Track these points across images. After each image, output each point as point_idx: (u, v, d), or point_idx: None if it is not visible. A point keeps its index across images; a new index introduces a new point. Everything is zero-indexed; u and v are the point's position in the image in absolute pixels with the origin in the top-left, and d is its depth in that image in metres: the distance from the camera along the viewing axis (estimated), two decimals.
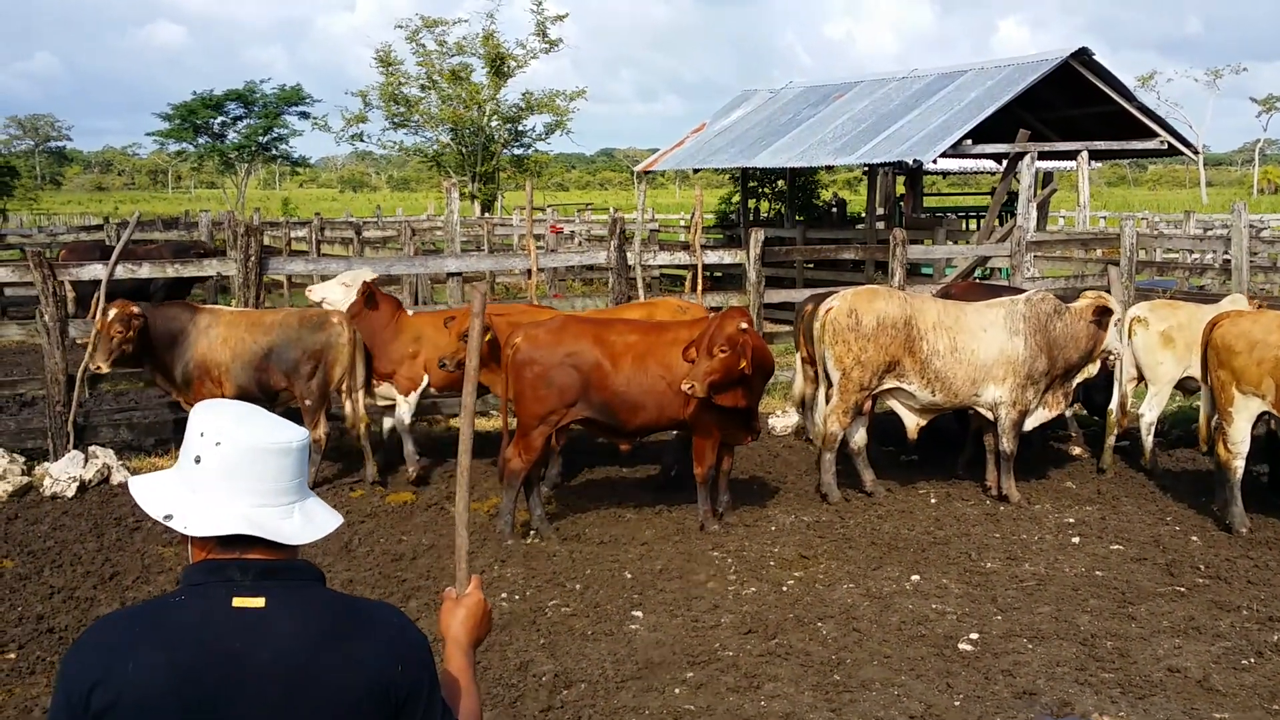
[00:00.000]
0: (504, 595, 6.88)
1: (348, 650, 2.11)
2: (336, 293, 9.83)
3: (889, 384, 8.79)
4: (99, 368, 9.02)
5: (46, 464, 9.44)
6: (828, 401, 8.92)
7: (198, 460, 2.17)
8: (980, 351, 8.75)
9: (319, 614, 2.14)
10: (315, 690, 2.07)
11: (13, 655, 6.07)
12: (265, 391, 9.21)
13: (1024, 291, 9.76)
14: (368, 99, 46.07)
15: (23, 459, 9.48)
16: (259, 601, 2.10)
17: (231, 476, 2.15)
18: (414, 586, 7.04)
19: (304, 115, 60.22)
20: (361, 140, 48.57)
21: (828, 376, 8.89)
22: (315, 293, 9.99)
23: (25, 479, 9.14)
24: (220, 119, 59.73)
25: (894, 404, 9.08)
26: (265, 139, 60.29)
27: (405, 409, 9.55)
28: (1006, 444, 8.87)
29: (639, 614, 6.60)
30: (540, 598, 6.85)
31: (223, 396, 8.68)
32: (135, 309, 9.02)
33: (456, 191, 12.83)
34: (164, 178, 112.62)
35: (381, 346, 9.54)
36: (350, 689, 2.09)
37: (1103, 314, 8.92)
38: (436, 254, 15.65)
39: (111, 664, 2.03)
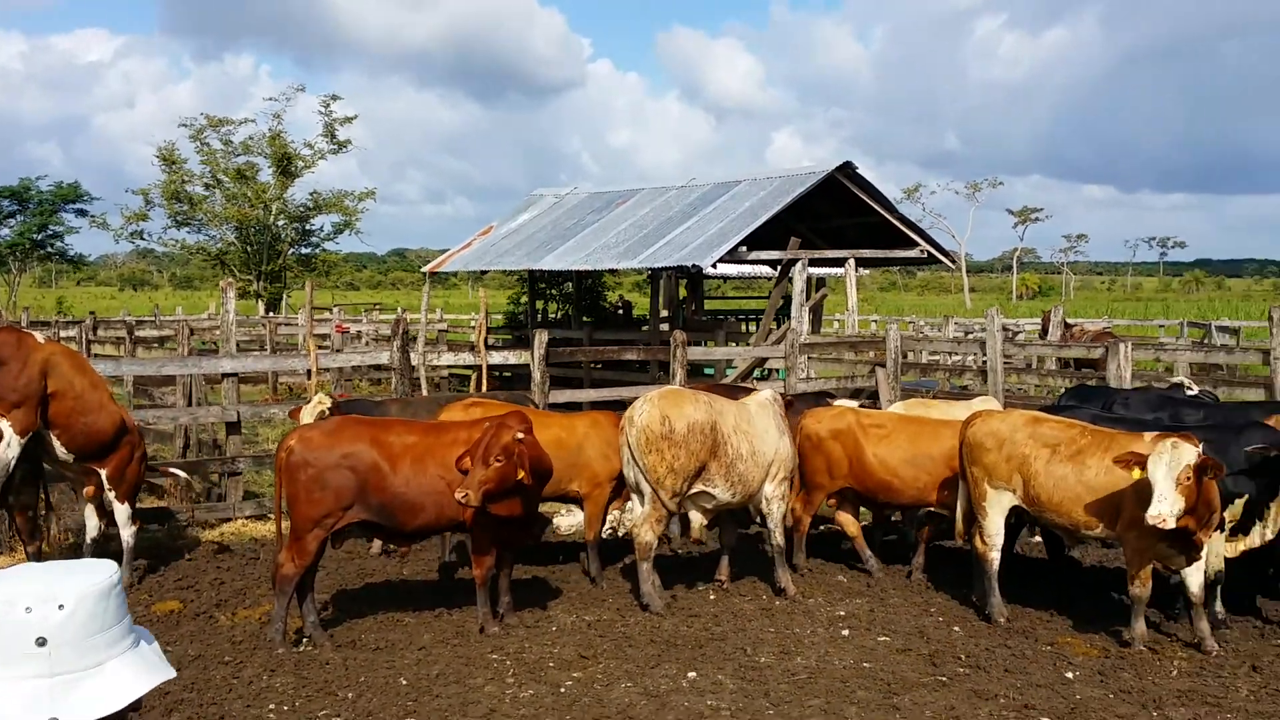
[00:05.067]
0: (271, 707, 6.61)
1: None
2: None
3: (696, 488, 8.76)
4: None
5: None
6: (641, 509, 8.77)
7: None
8: (767, 451, 9.00)
9: None
10: None
11: None
12: None
13: (751, 391, 10.19)
14: (149, 197, 44.72)
15: None
16: None
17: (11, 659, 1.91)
18: (176, 700, 6.68)
19: (81, 213, 57.66)
20: (142, 238, 46.99)
21: (638, 486, 8.73)
22: None
23: None
24: None
25: (688, 506, 9.10)
26: (40, 236, 57.37)
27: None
28: (779, 538, 9.14)
29: None
30: (310, 708, 6.61)
31: None
32: None
33: (233, 291, 12.52)
34: None
35: None
36: None
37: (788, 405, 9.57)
38: (211, 354, 15.16)
39: None
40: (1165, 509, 7.16)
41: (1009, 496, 8.46)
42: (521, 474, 7.55)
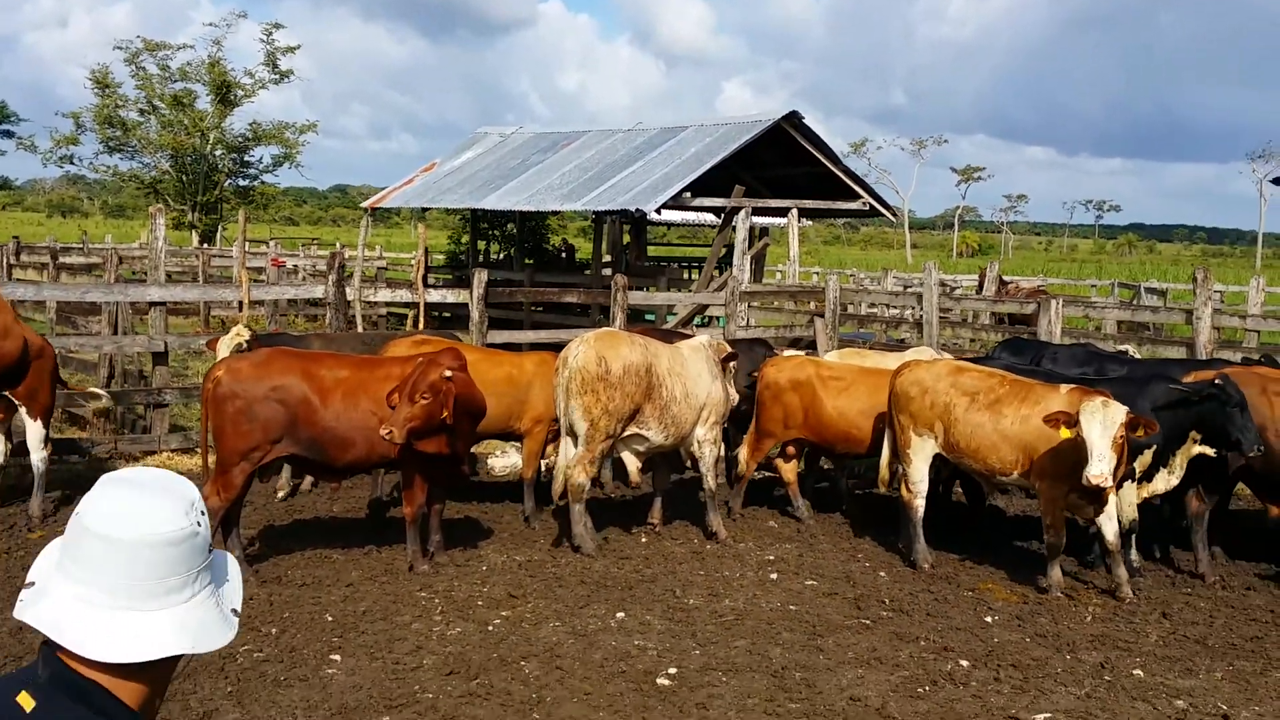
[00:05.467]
0: None
1: None
2: None
3: (630, 430, 8.73)
4: None
5: None
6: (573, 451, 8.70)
7: (68, 535, 1.94)
8: (700, 394, 8.99)
9: None
10: None
11: None
12: None
13: (688, 337, 10.19)
14: (80, 121, 43.51)
15: None
16: (29, 703, 1.87)
17: (76, 563, 1.89)
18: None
19: (8, 134, 56.12)
20: (72, 163, 45.78)
21: (572, 428, 8.66)
22: None
23: None
24: None
25: (621, 448, 9.10)
26: None
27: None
28: (712, 481, 9.16)
29: (337, 658, 6.38)
30: (231, 643, 6.50)
31: None
32: None
33: (163, 217, 12.20)
34: None
35: None
36: None
37: (727, 360, 9.49)
38: (139, 282, 14.81)
39: None
40: (1106, 468, 7.27)
41: (931, 444, 8.56)
42: (445, 413, 7.45)
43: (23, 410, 8.91)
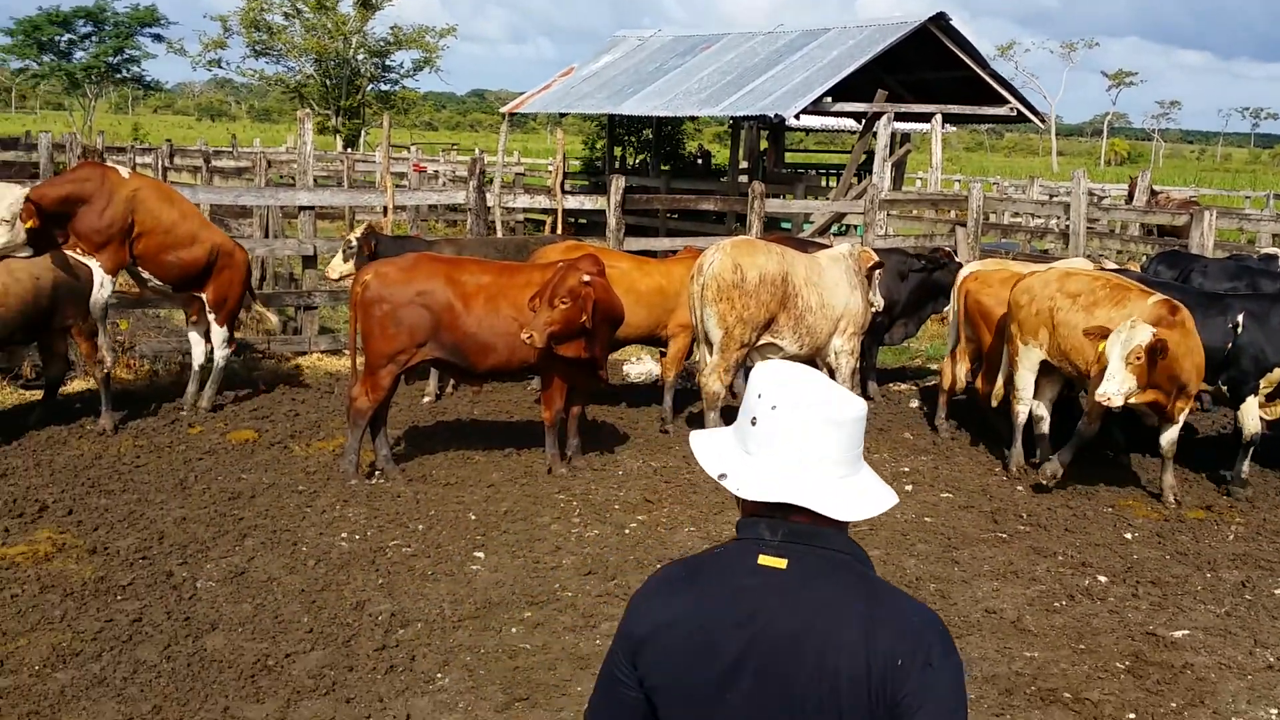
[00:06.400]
0: (343, 535, 6.81)
1: (859, 630, 2.04)
2: None
3: (764, 339, 8.71)
4: None
5: None
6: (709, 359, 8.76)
7: (754, 422, 2.14)
8: (837, 305, 8.93)
9: (838, 588, 2.09)
10: (819, 660, 2.04)
11: None
12: (39, 333, 8.52)
13: (824, 246, 10.06)
14: (228, 24, 44.54)
15: None
16: (780, 563, 2.09)
17: (785, 442, 2.11)
18: (251, 525, 6.91)
19: (158, 38, 57.81)
20: (220, 67, 47.04)
21: (705, 334, 8.67)
22: None
23: None
24: (67, 36, 56.84)
25: (755, 357, 9.04)
26: (115, 60, 57.62)
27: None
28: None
29: (481, 555, 6.61)
30: (381, 538, 6.80)
31: None
32: None
33: (310, 122, 12.48)
34: (7, 96, 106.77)
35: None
36: (852, 667, 2.03)
37: (874, 269, 9.35)
38: (288, 187, 15.22)
39: (653, 603, 2.18)
40: (1112, 389, 7.28)
41: (1037, 352, 8.49)
42: (584, 317, 7.54)
43: (210, 312, 9.34)
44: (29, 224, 7.93)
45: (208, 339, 9.53)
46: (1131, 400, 7.45)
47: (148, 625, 5.51)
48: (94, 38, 56.86)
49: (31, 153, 22.78)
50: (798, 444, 2.11)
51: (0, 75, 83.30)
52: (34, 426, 8.62)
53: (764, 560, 2.11)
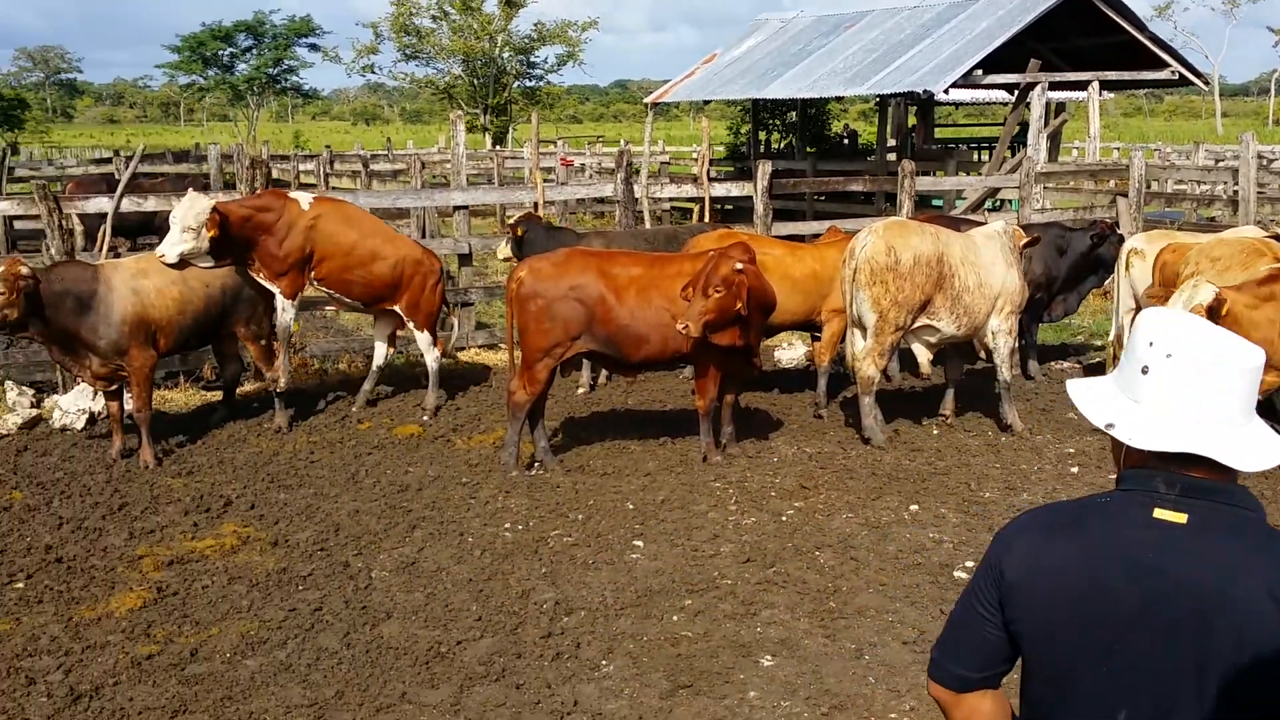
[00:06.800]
0: (507, 526, 6.99)
1: (1265, 588, 1.98)
2: (185, 243, 8.32)
3: (920, 322, 8.59)
4: None
5: (55, 396, 9.54)
6: (861, 343, 8.67)
7: (1144, 370, 2.11)
8: (994, 284, 8.75)
9: (1243, 540, 2.05)
10: (1227, 616, 1.99)
11: (21, 585, 6.20)
12: (210, 338, 9.00)
13: (976, 224, 9.84)
14: (379, 30, 45.80)
15: (32, 391, 9.61)
16: (1180, 517, 2.07)
17: (1181, 391, 2.08)
18: (419, 517, 7.16)
19: (314, 47, 60.00)
20: (373, 72, 48.40)
21: (859, 318, 8.58)
22: (169, 254, 8.30)
23: (34, 411, 9.25)
24: (229, 51, 59.43)
25: (911, 340, 8.96)
26: (275, 71, 60.00)
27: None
28: (1007, 373, 8.93)
29: (640, 543, 6.71)
30: (543, 528, 6.96)
31: (159, 356, 8.39)
32: (24, 270, 7.61)
33: (463, 124, 12.80)
34: (175, 110, 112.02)
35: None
36: (1259, 627, 1.97)
37: (1028, 245, 9.17)
38: (443, 187, 15.61)
39: (1029, 545, 2.17)
40: None
41: None
42: (739, 305, 7.56)
43: (409, 322, 9.66)
44: (211, 233, 8.35)
45: (390, 343, 9.90)
46: None
47: (328, 614, 5.78)
48: (254, 50, 59.30)
49: (202, 164, 23.95)
50: (1196, 392, 2.06)
51: (169, 90, 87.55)
52: (216, 425, 9.12)
53: (1160, 514, 2.07)
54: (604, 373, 10.33)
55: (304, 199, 9.31)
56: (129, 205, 10.43)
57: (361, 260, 9.29)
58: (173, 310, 8.34)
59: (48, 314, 7.80)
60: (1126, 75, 20.23)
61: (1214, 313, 7.10)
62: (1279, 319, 7.38)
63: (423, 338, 9.71)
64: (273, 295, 9.01)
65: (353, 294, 9.42)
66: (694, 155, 39.49)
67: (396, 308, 9.59)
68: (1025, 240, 9.07)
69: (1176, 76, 20.13)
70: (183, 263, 8.39)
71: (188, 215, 8.28)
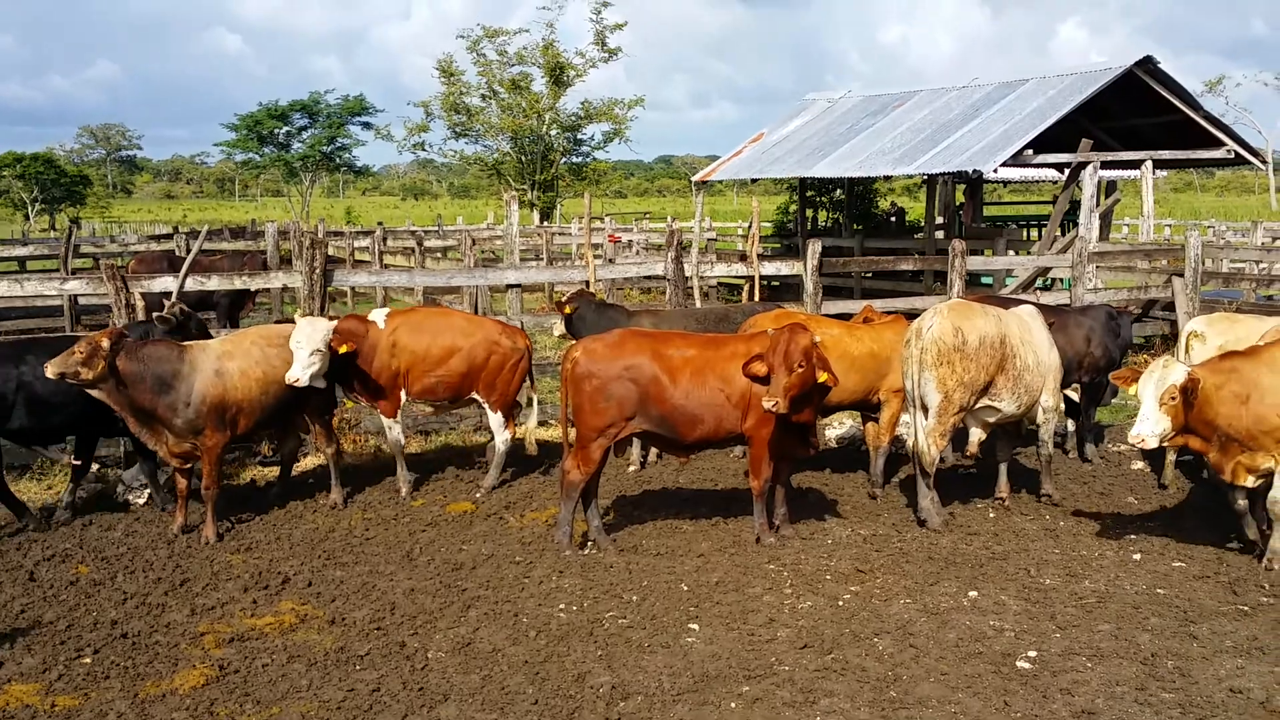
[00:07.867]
0: (561, 606, 6.97)
1: None
2: (314, 364, 8.56)
3: (982, 402, 8.60)
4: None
5: (119, 470, 9.68)
6: (924, 424, 8.60)
7: None
8: (1049, 362, 8.90)
9: None
10: None
11: (88, 660, 6.26)
12: (285, 419, 9.12)
13: (1022, 304, 9.91)
14: (429, 109, 46.61)
15: (95, 465, 9.75)
16: None
17: None
18: (474, 596, 7.15)
19: (367, 125, 61.20)
20: (423, 149, 49.16)
21: (922, 399, 8.57)
22: (303, 377, 8.49)
23: (98, 485, 9.39)
24: (285, 129, 60.81)
25: (970, 421, 8.91)
26: (329, 149, 61.24)
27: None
28: (1050, 449, 9.20)
29: (695, 626, 6.66)
30: (598, 609, 6.93)
31: (232, 438, 8.54)
32: (106, 343, 7.90)
33: (516, 204, 12.99)
34: (231, 186, 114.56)
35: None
36: None
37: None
38: (495, 265, 15.80)
39: None
40: (1145, 430, 7.17)
41: None
42: (825, 376, 7.59)
43: (483, 402, 9.75)
44: (344, 348, 8.83)
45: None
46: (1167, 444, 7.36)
47: (385, 695, 5.77)
48: (309, 129, 60.65)
49: (259, 240, 24.43)
50: None
51: (226, 167, 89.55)
52: (274, 502, 9.20)
53: None
54: (654, 451, 10.33)
55: (379, 318, 9.56)
56: (192, 285, 10.64)
57: (436, 360, 9.51)
58: (255, 391, 8.51)
59: (126, 390, 8.00)
60: (1181, 155, 20.12)
61: (1189, 392, 7.13)
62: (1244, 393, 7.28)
63: (495, 418, 9.77)
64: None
65: (436, 396, 9.65)
66: (740, 232, 39.71)
67: (476, 397, 9.72)
68: (1051, 320, 9.40)
69: (1232, 155, 19.97)
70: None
71: (314, 338, 8.56)
